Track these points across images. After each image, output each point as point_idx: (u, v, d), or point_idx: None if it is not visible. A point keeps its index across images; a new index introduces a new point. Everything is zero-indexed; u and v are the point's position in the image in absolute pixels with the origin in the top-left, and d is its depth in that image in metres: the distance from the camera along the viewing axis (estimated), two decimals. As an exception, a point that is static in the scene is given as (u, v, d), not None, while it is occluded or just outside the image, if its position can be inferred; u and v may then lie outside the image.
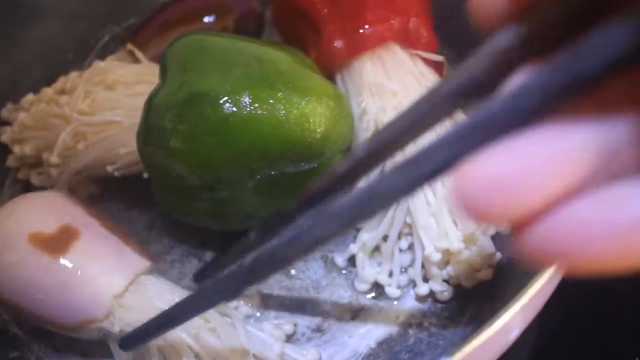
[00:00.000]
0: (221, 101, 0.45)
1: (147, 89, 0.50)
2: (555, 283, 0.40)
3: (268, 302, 0.53)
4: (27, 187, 0.60)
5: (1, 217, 0.48)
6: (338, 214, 0.25)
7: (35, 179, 0.59)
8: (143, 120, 0.48)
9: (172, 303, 0.45)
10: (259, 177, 0.48)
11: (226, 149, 0.46)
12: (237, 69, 0.47)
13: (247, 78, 0.47)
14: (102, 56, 0.65)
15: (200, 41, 0.49)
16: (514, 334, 0.40)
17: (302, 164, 0.48)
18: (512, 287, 0.47)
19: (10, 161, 0.60)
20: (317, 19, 0.55)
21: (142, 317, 0.45)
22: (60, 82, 0.58)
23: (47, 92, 0.58)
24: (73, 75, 0.59)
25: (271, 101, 0.46)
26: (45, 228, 0.47)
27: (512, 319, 0.36)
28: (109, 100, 0.55)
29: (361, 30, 0.53)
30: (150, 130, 0.48)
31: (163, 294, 0.47)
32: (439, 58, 0.54)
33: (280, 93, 0.46)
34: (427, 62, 0.54)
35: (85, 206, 0.50)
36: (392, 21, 0.53)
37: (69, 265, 0.46)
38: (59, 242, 0.46)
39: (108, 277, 0.46)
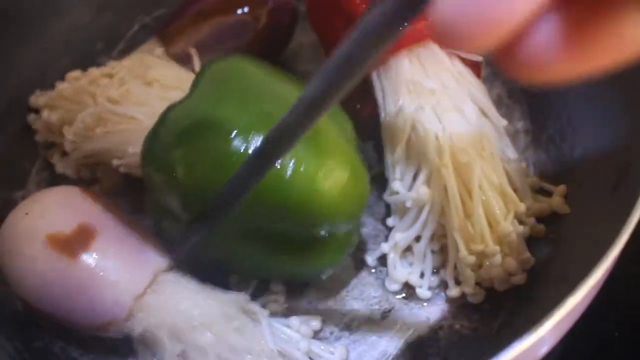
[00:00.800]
0: (231, 135, 0.43)
1: (180, 97, 0.49)
2: (591, 296, 0.40)
3: (296, 301, 0.52)
4: (54, 175, 0.59)
5: (17, 218, 0.47)
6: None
7: (57, 162, 0.59)
8: (153, 129, 0.47)
9: (194, 303, 0.45)
10: (248, 226, 0.45)
11: (218, 183, 0.42)
12: (258, 106, 0.45)
13: (266, 118, 0.44)
14: (132, 46, 0.65)
15: (235, 67, 0.48)
16: (545, 349, 0.39)
17: (301, 228, 0.45)
18: (546, 293, 0.47)
19: (34, 123, 0.60)
20: (355, 15, 0.54)
21: (163, 319, 0.45)
22: (109, 67, 0.58)
23: (94, 72, 0.58)
24: (124, 62, 0.58)
25: None
26: (63, 228, 0.46)
27: (548, 332, 0.35)
28: (141, 95, 0.54)
29: (400, 28, 0.52)
30: (156, 140, 0.46)
31: (184, 293, 0.46)
32: (477, 57, 0.53)
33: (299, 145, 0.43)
34: (464, 61, 0.53)
35: (103, 201, 0.49)
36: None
37: (88, 267, 0.45)
38: (76, 242, 0.45)
39: (128, 278, 0.45)
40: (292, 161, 0.43)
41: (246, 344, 0.45)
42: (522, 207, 0.50)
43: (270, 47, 0.62)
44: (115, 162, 0.54)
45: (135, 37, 0.67)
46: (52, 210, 0.47)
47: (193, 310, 0.45)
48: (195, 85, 0.48)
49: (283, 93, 0.47)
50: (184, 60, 0.59)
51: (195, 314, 0.45)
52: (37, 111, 0.60)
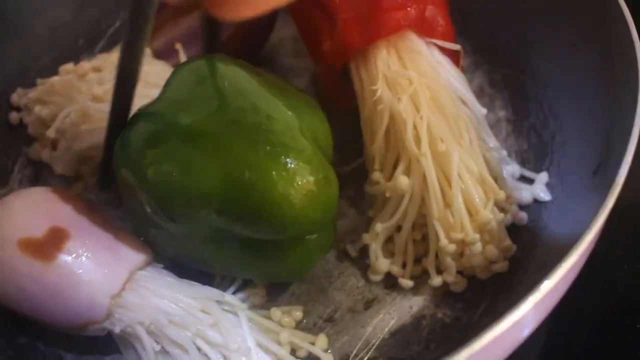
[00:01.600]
0: (193, 134, 0.43)
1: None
2: (570, 280, 0.40)
3: (278, 292, 0.52)
4: (37, 172, 0.60)
5: None
6: None
7: (46, 155, 0.59)
8: (124, 131, 0.46)
9: (172, 299, 0.46)
10: (220, 227, 0.44)
11: (183, 186, 0.43)
12: (228, 112, 0.44)
13: (234, 124, 0.44)
14: (114, 42, 0.64)
15: (208, 69, 0.47)
16: (527, 330, 0.39)
17: (266, 231, 0.44)
18: (527, 280, 0.47)
19: (27, 118, 0.60)
20: (332, 7, 0.54)
21: (141, 316, 0.45)
22: (100, 59, 0.58)
23: (85, 66, 0.58)
24: (113, 55, 0.58)
25: (247, 153, 0.42)
26: (33, 232, 0.45)
27: (526, 315, 0.35)
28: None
29: (377, 18, 0.52)
30: (127, 143, 0.45)
31: (162, 289, 0.46)
32: (455, 47, 0.53)
33: (262, 150, 0.42)
34: (443, 50, 0.53)
35: (76, 201, 0.49)
36: (408, 9, 0.52)
37: (62, 269, 0.44)
38: (49, 245, 0.45)
39: (103, 278, 0.45)
40: (254, 162, 0.42)
41: (223, 339, 0.45)
42: (501, 194, 0.50)
43: (251, 41, 0.62)
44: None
45: (117, 34, 0.67)
46: (22, 214, 0.46)
47: (171, 306, 0.46)
48: (166, 86, 0.48)
49: (256, 97, 0.46)
50: (164, 55, 0.59)
51: (173, 310, 0.45)
52: (18, 109, 0.60)
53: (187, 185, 0.43)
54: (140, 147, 0.44)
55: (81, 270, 0.45)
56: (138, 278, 0.46)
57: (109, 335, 0.47)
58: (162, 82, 0.49)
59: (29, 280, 0.44)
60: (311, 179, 0.43)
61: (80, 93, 0.56)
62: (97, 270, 0.45)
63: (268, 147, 0.43)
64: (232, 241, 0.45)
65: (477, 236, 0.47)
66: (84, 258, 0.45)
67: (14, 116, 0.60)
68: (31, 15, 0.63)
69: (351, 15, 0.53)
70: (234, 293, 0.50)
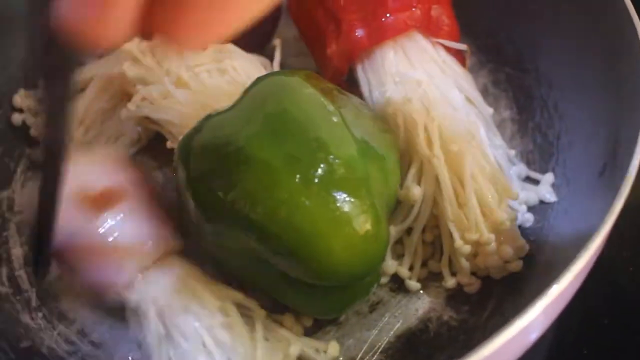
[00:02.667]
0: (247, 157, 0.42)
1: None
2: (578, 283, 0.39)
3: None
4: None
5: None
6: None
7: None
8: (189, 133, 0.46)
9: (191, 290, 0.46)
10: (258, 254, 0.44)
11: (227, 207, 0.42)
12: (290, 142, 0.42)
13: (293, 157, 0.42)
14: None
15: (284, 89, 0.45)
16: (536, 334, 0.39)
17: (302, 274, 0.43)
18: (534, 282, 0.47)
19: (30, 119, 0.60)
20: (337, 8, 0.54)
21: (157, 297, 0.45)
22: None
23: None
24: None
25: (299, 192, 0.41)
26: (92, 186, 0.46)
27: (536, 320, 0.35)
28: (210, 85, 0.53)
29: (382, 19, 0.52)
30: (188, 144, 0.45)
31: (184, 278, 0.47)
32: (461, 46, 0.53)
33: (315, 193, 0.41)
34: (449, 50, 0.53)
35: (136, 173, 0.49)
36: (413, 9, 0.52)
37: (106, 227, 0.45)
38: (99, 203, 0.46)
39: (138, 248, 0.46)
40: (303, 204, 0.40)
41: (232, 341, 0.45)
42: (514, 193, 0.49)
43: (253, 42, 0.61)
44: (169, 144, 0.54)
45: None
46: (85, 169, 0.47)
47: (188, 295, 0.46)
48: (242, 96, 0.47)
49: (323, 130, 0.43)
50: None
51: (190, 301, 0.46)
52: (21, 110, 0.60)
53: (229, 208, 0.42)
54: (197, 152, 0.44)
55: (121, 234, 0.45)
56: (167, 261, 0.47)
57: (115, 338, 0.49)
58: (249, 81, 0.49)
59: (77, 227, 0.45)
60: (360, 233, 0.41)
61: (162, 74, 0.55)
62: (134, 238, 0.46)
63: (322, 192, 0.41)
64: (270, 266, 0.44)
65: (493, 236, 0.47)
66: (127, 223, 0.46)
67: (16, 117, 0.60)
68: (35, 16, 0.63)
69: (357, 16, 0.53)
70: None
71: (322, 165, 0.41)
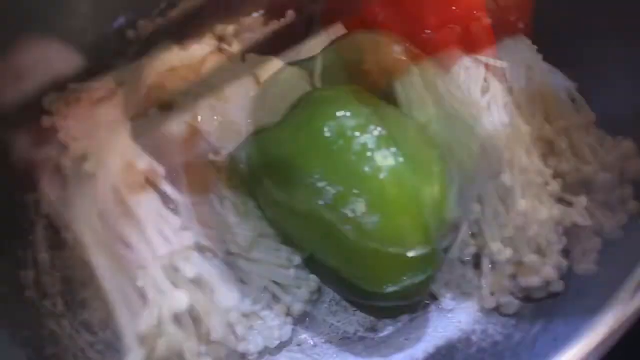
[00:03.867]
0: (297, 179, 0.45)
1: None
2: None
3: (322, 296, 0.52)
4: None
5: None
6: None
7: None
8: (254, 137, 0.49)
9: (205, 288, 0.47)
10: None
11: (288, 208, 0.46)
12: (342, 165, 0.44)
13: (351, 175, 0.43)
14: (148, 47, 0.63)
15: (328, 108, 0.46)
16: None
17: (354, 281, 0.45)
18: (583, 302, 0.46)
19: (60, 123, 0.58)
20: (375, 24, 0.54)
21: (169, 291, 0.45)
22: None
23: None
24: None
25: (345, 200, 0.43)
26: (138, 162, 0.49)
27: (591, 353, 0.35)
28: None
29: (422, 35, 0.53)
30: (252, 149, 0.49)
31: (200, 277, 0.47)
32: (501, 64, 0.53)
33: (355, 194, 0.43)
34: (488, 68, 0.53)
35: (193, 166, 0.51)
36: (453, 25, 0.53)
37: (135, 208, 0.48)
38: (140, 180, 0.48)
39: (160, 235, 0.47)
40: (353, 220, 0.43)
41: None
42: (557, 214, 0.49)
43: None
44: (211, 156, 0.52)
45: (147, 41, 0.66)
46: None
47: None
48: (290, 111, 0.48)
49: (375, 152, 0.44)
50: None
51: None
52: (51, 113, 0.59)
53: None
54: (251, 162, 0.48)
55: (148, 216, 0.48)
56: (187, 256, 0.47)
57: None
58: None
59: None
60: (411, 255, 0.42)
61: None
62: (159, 227, 0.47)
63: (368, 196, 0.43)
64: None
65: (535, 257, 0.47)
66: (156, 211, 0.48)
67: (46, 121, 0.59)
68: (62, 20, 0.62)
69: (396, 33, 0.53)
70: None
71: (377, 190, 0.43)
